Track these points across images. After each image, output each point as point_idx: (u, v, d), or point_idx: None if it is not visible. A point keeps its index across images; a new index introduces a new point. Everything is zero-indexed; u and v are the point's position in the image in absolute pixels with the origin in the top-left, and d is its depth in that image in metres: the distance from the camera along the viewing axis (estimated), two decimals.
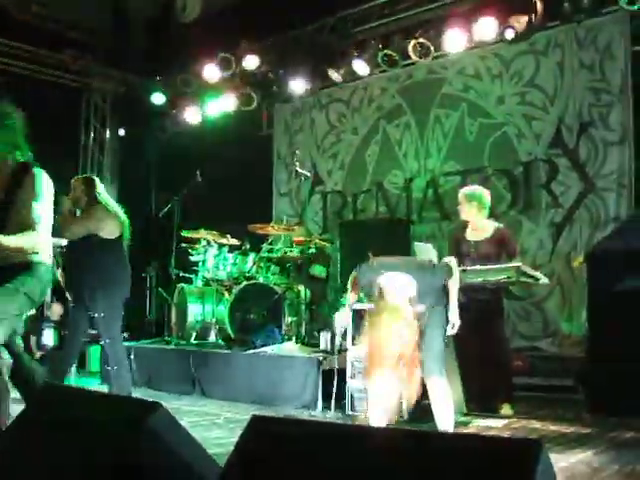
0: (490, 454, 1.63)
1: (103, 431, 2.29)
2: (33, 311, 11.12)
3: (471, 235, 6.90)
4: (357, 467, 1.83)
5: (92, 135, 13.11)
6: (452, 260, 5.27)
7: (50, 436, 2.49)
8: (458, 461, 1.68)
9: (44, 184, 4.38)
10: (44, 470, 2.34)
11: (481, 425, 6.08)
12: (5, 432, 2.89)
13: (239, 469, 2.05)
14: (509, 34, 8.56)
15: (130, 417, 2.25)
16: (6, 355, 4.34)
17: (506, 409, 6.52)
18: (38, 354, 11.97)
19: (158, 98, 12.23)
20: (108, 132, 13.24)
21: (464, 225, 7.10)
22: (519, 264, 6.34)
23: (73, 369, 11.34)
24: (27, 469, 2.41)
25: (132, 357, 8.83)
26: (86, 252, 6.42)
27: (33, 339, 11.95)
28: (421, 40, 9.19)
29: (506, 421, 6.22)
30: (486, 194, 6.84)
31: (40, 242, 4.34)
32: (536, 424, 6.11)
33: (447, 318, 5.08)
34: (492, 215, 7.07)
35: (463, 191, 6.96)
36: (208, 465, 2.22)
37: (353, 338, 6.48)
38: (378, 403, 4.93)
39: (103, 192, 6.74)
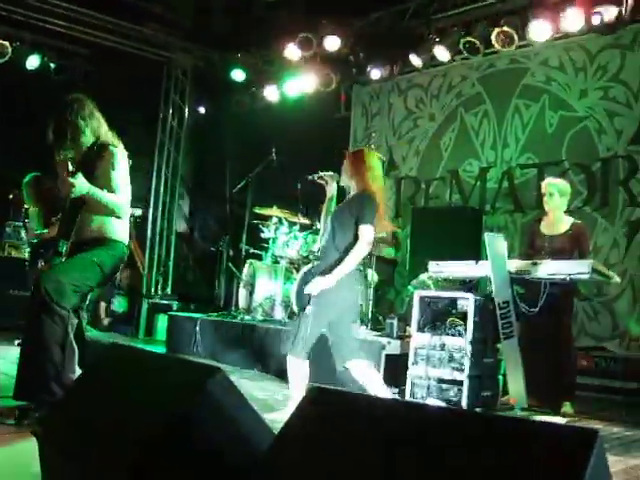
0: (543, 440, 1.63)
1: (163, 390, 2.35)
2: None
3: (546, 229, 6.84)
4: (411, 442, 1.85)
5: (171, 108, 13.29)
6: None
7: (112, 392, 2.58)
8: (511, 444, 1.68)
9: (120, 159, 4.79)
10: (105, 424, 2.42)
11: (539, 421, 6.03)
12: (71, 387, 2.99)
13: (293, 435, 2.08)
14: (596, 20, 8.36)
15: (190, 379, 2.31)
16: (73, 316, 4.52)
17: (567, 407, 6.45)
18: (106, 321, 12.27)
19: (238, 75, 12.33)
20: (187, 106, 13.42)
21: (540, 218, 7.05)
22: (591, 261, 6.25)
23: (140, 335, 11.67)
24: (90, 423, 2.49)
25: (197, 329, 8.98)
26: None
27: (103, 306, 12.24)
28: (505, 28, 9.07)
29: (566, 419, 6.16)
30: None
31: (121, 209, 4.65)
32: (597, 425, 6.03)
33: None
34: (567, 210, 6.99)
35: (553, 182, 6.90)
36: (262, 430, 2.27)
37: (418, 324, 6.47)
38: None
39: None
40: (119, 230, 4.82)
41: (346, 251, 5.14)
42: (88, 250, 4.64)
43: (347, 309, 5.31)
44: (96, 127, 4.89)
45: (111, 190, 4.66)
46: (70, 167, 4.53)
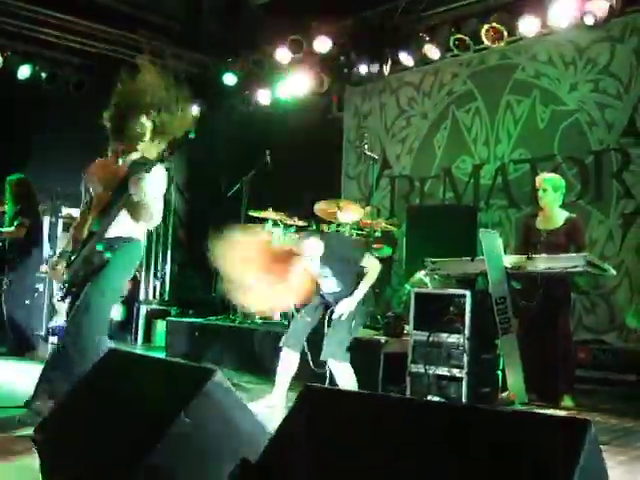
0: (536, 430, 1.64)
1: (161, 393, 2.37)
2: None
3: (541, 224, 6.86)
4: (405, 437, 1.86)
5: None
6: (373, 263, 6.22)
7: (111, 396, 2.59)
8: (504, 436, 1.69)
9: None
10: (104, 428, 2.43)
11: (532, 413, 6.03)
12: (69, 392, 2.99)
13: (289, 434, 2.10)
14: (589, 20, 8.39)
15: (188, 381, 2.32)
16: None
17: (567, 401, 6.46)
18: None
19: (230, 79, 12.34)
20: None
21: (535, 213, 7.07)
22: (586, 254, 6.26)
23: (139, 342, 11.69)
24: (89, 427, 2.51)
25: (196, 334, 8.98)
26: None
27: None
28: (494, 24, 9.09)
29: (566, 413, 6.17)
30: None
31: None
32: (597, 417, 6.04)
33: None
34: (561, 205, 7.00)
35: (547, 177, 6.92)
36: (259, 430, 2.29)
37: (415, 322, 6.48)
38: None
39: None
40: (136, 228, 4.74)
41: None
42: (119, 253, 4.55)
43: None
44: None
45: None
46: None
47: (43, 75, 11.72)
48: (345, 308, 6.03)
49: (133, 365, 2.82)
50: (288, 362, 6.23)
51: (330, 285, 6.27)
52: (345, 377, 6.06)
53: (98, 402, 2.66)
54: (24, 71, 11.46)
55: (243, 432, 2.26)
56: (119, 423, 2.41)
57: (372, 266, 6.17)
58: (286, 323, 8.55)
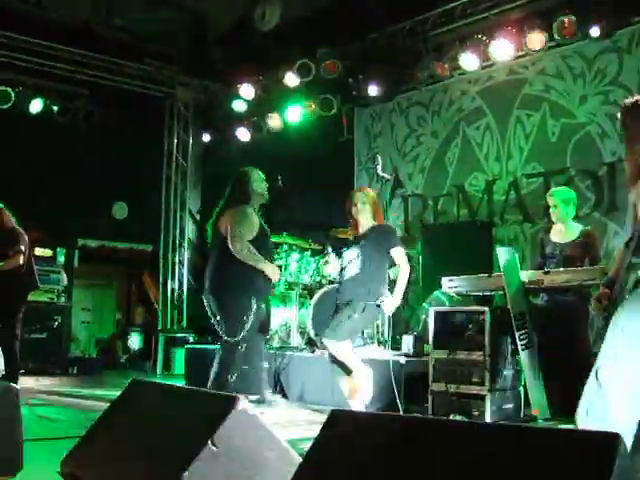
0: (567, 446, 1.63)
1: (186, 422, 2.36)
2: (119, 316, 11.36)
3: (556, 237, 6.84)
4: (433, 458, 1.85)
5: (175, 142, 13.39)
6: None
7: (136, 427, 2.59)
8: (533, 453, 1.68)
9: None
10: (131, 459, 2.43)
11: (564, 429, 5.98)
12: (95, 424, 2.98)
13: (317, 460, 2.08)
14: (594, 32, 8.41)
15: (213, 410, 2.32)
16: None
17: None
18: (123, 358, 12.28)
19: (239, 105, 12.41)
20: (191, 139, 13.52)
21: (549, 227, 7.05)
22: (603, 266, 6.23)
23: (158, 370, 11.71)
24: (116, 459, 2.50)
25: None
26: None
27: (119, 343, 12.27)
28: (501, 40, 9.11)
29: None
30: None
31: None
32: None
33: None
34: (575, 217, 6.98)
35: (556, 192, 6.91)
36: (286, 457, 2.27)
37: (435, 341, 6.47)
38: None
39: None
40: None
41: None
42: None
43: None
44: None
45: None
46: None
47: (54, 108, 11.82)
48: (391, 307, 6.23)
49: (157, 395, 2.82)
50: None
51: (353, 268, 6.34)
52: (346, 355, 6.32)
53: (124, 433, 2.66)
54: (35, 105, 11.57)
55: (270, 459, 2.25)
56: (146, 454, 2.41)
57: (403, 262, 6.34)
58: (305, 347, 8.55)
